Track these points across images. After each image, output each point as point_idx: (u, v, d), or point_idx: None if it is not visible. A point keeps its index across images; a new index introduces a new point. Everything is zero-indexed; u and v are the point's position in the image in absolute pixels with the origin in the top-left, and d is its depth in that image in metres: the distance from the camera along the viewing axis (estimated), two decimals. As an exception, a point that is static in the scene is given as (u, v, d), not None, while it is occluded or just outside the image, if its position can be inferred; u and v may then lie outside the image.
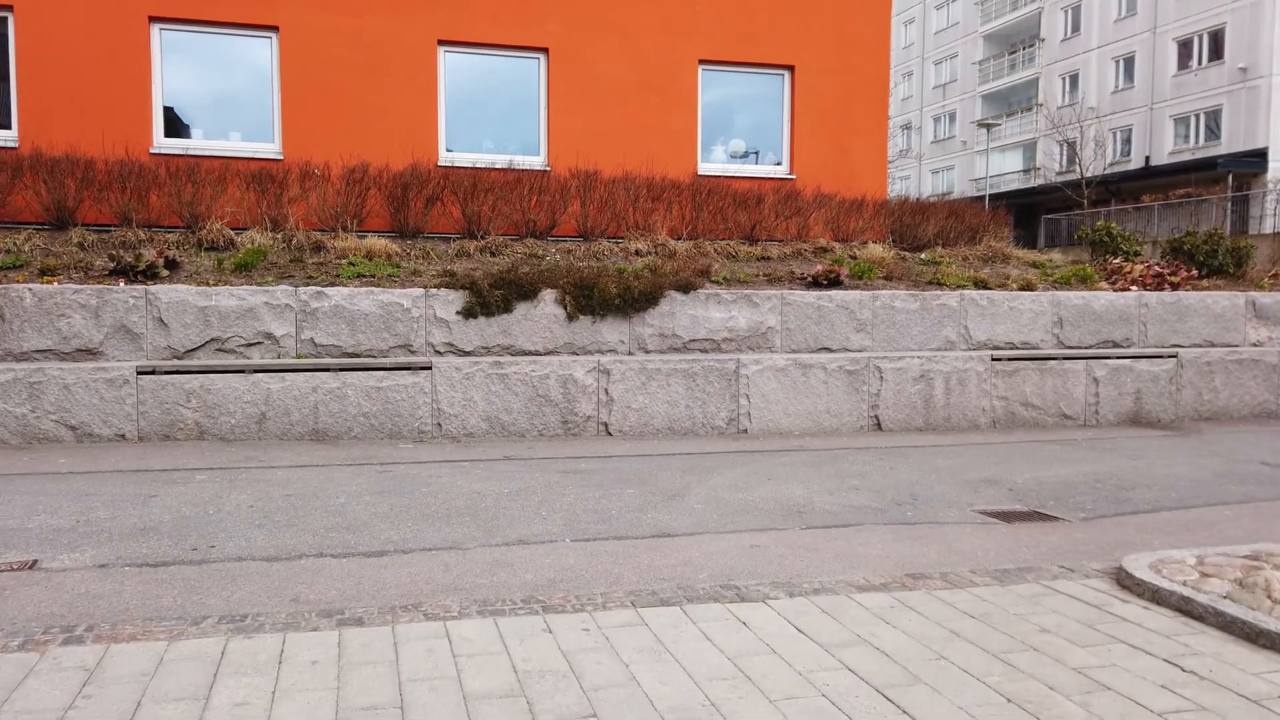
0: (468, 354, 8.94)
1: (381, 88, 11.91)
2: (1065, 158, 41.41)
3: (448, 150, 12.29)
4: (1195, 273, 11.91)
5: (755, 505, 6.26)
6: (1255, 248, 12.90)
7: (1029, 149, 45.32)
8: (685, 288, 9.65)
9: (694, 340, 9.62)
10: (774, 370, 9.37)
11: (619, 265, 10.47)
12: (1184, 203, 31.91)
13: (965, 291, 10.62)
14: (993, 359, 10.01)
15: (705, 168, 13.14)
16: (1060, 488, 7.09)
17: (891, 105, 56.00)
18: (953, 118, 51.33)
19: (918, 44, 53.69)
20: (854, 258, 11.95)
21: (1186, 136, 36.94)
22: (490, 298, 8.96)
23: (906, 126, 53.60)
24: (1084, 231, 13.36)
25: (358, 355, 8.65)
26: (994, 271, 11.99)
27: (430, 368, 8.47)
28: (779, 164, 13.72)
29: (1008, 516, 6.22)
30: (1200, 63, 35.97)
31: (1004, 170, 47.10)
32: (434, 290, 8.95)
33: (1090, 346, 10.86)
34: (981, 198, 41.81)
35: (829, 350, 10.06)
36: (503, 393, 8.65)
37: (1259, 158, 32.87)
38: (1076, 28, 42.21)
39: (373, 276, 9.45)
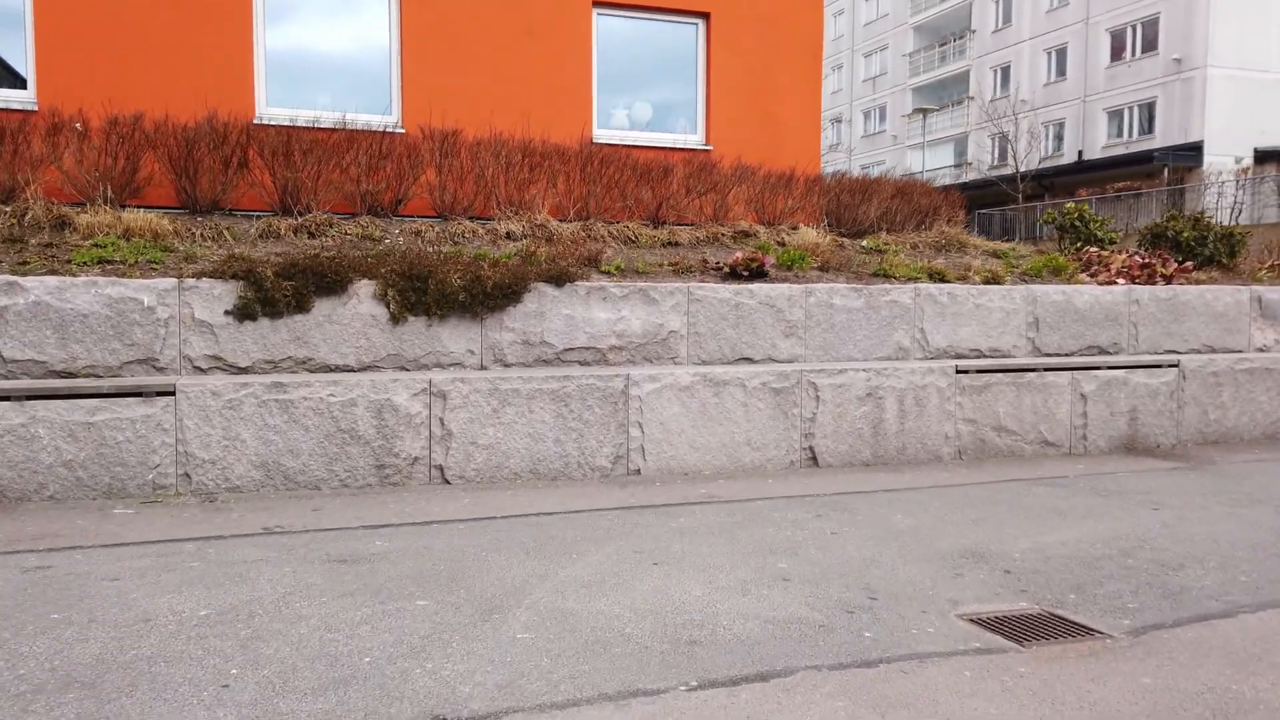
0: (243, 370, 6.32)
1: (181, 21, 9.16)
2: (998, 152, 40.21)
3: (268, 106, 9.59)
4: (1189, 264, 9.93)
5: (621, 628, 3.82)
6: (1250, 234, 11.02)
7: (961, 143, 44.09)
8: (560, 279, 7.19)
9: (570, 349, 7.17)
10: (677, 389, 6.97)
11: (478, 250, 7.96)
12: (1121, 197, 30.72)
13: (920, 285, 8.39)
14: (957, 370, 7.79)
15: (602, 134, 10.70)
16: (1077, 566, 4.83)
17: (821, 99, 54.55)
18: (883, 112, 49.98)
19: (847, 36, 52.23)
20: (782, 244, 9.65)
21: (1120, 130, 35.94)
22: (276, 292, 6.35)
23: (837, 120, 52.10)
24: (1049, 215, 11.33)
25: (73, 375, 5.97)
26: (951, 262, 9.81)
27: (173, 393, 5.82)
28: (692, 132, 11.36)
29: (1016, 630, 3.91)
30: (1134, 54, 34.97)
31: (936, 165, 45.83)
32: (192, 282, 6.30)
33: (1073, 353, 8.73)
34: (913, 193, 40.38)
35: (750, 361, 7.71)
36: (286, 427, 6.04)
37: (1194, 151, 31.89)
38: (1008, 19, 41.06)
39: (122, 263, 6.76)
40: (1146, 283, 9.32)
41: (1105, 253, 10.13)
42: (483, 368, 6.96)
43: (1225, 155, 30.80)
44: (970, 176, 42.14)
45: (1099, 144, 36.51)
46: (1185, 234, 10.59)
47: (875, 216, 10.72)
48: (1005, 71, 41.12)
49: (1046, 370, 8.06)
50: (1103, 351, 8.83)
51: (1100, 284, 9.17)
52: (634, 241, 9.30)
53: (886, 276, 8.93)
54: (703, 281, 8.12)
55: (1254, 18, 32.10)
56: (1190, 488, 6.83)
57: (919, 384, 7.64)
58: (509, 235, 8.77)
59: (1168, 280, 9.39)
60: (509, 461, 6.53)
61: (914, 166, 47.09)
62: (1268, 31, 32.25)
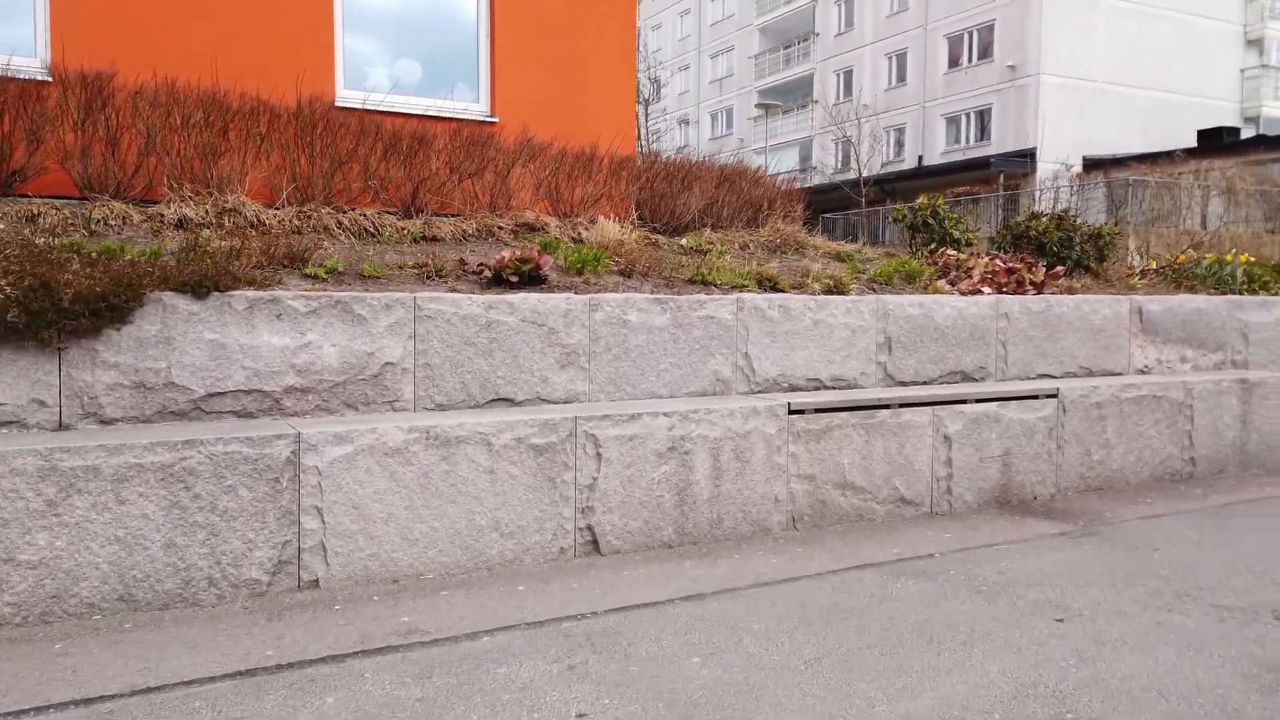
0: None
1: None
2: (841, 156, 39.82)
3: None
4: (1059, 269, 8.39)
5: None
6: (1121, 234, 9.69)
7: (806, 147, 43.63)
8: (202, 287, 4.71)
9: (218, 395, 4.71)
10: (381, 453, 4.63)
11: (105, 244, 5.36)
12: (960, 201, 30.48)
13: (745, 296, 6.37)
14: (790, 410, 5.80)
15: (352, 96, 8.23)
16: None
17: (669, 100, 53.22)
18: (730, 114, 49.14)
19: (694, 36, 51.17)
20: (578, 240, 7.48)
21: (958, 136, 36.08)
22: None
23: (684, 121, 50.93)
24: (898, 212, 9.67)
25: None
26: (786, 265, 7.90)
27: None
28: (474, 100, 9.03)
29: None
30: (970, 60, 35.12)
31: (781, 169, 45.21)
32: None
33: (932, 380, 6.95)
34: (760, 197, 39.50)
35: (511, 404, 5.47)
36: None
37: (1028, 157, 32.12)
38: (850, 23, 40.81)
39: None
40: (1015, 292, 7.68)
41: (963, 256, 8.49)
42: (62, 426, 4.40)
43: (1057, 162, 31.10)
44: (815, 180, 41.64)
45: (938, 150, 36.55)
46: (1049, 234, 9.11)
47: (698, 210, 8.71)
48: (848, 75, 40.85)
49: (903, 406, 6.19)
50: (968, 378, 7.10)
51: (963, 293, 7.45)
52: (374, 235, 6.90)
53: (706, 283, 6.89)
54: (454, 290, 5.83)
55: (1082, 25, 32.68)
56: (1092, 572, 5.04)
57: (740, 430, 5.59)
58: (181, 223, 6.19)
59: (1038, 289, 7.79)
60: (78, 587, 4.00)
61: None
62: (1094, 42, 32.91)
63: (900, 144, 38.77)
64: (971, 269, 8.11)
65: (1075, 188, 26.87)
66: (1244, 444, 7.73)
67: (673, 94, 51.89)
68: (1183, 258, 10.07)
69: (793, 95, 44.85)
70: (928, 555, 5.34)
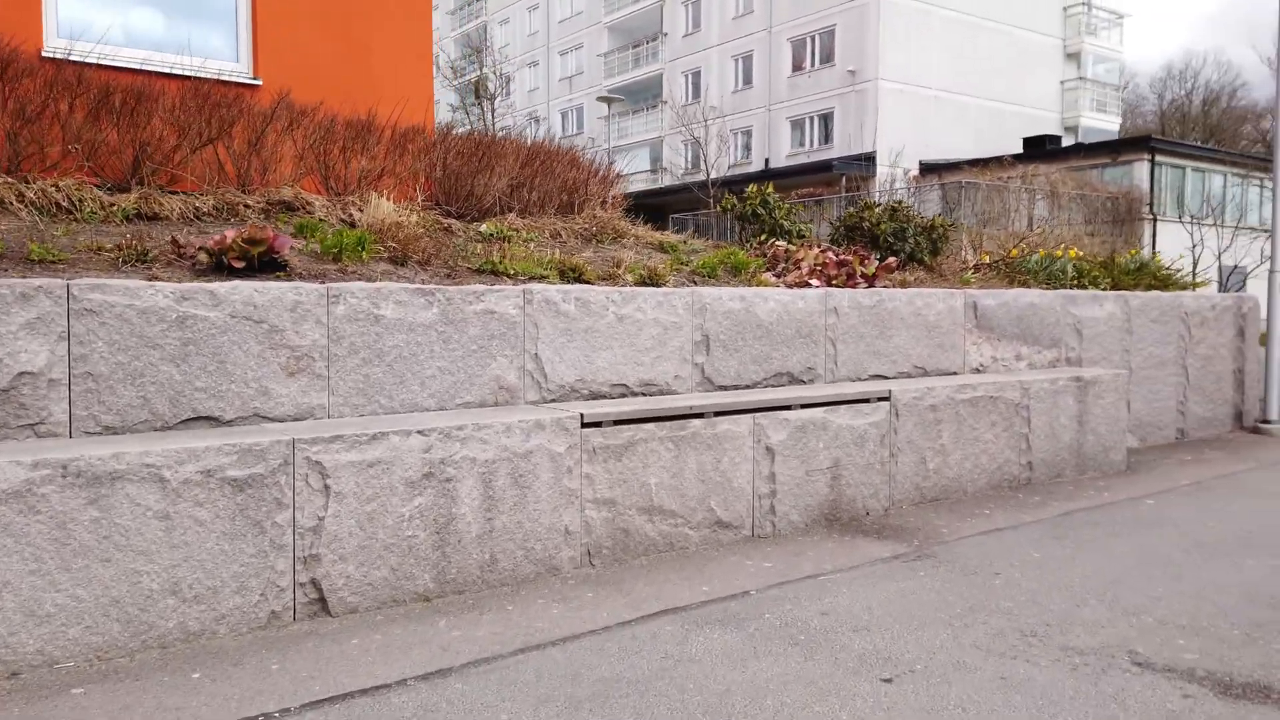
0: None
1: None
2: (691, 157, 39.59)
3: None
4: (892, 260, 7.78)
5: None
6: (955, 227, 9.25)
7: (656, 148, 43.25)
8: None
9: None
10: (-9, 499, 3.32)
11: None
12: (805, 202, 30.66)
13: (534, 287, 5.34)
14: (584, 423, 4.80)
15: (63, 45, 6.70)
16: None
17: (518, 96, 51.84)
18: (580, 112, 48.27)
19: (543, 32, 50.03)
20: (350, 222, 6.26)
21: (803, 139, 36.47)
22: None
23: (535, 119, 49.67)
24: (728, 202, 8.89)
25: None
26: (601, 255, 6.94)
27: None
28: (233, 59, 7.64)
29: None
30: (813, 64, 35.54)
31: (632, 170, 44.72)
32: None
33: (757, 384, 6.13)
34: (611, 197, 38.79)
35: (216, 422, 4.22)
36: None
37: (869, 161, 32.67)
38: (697, 24, 40.69)
39: None
40: (846, 285, 6.99)
41: (793, 247, 7.76)
42: None
43: (896, 166, 31.77)
44: (666, 181, 41.30)
45: (784, 152, 36.84)
46: (882, 225, 8.54)
47: (502, 192, 7.61)
48: (696, 77, 40.72)
49: (719, 414, 5.31)
50: (795, 380, 6.33)
51: (789, 286, 6.69)
52: (72, 212, 5.46)
53: (498, 273, 5.83)
54: (155, 278, 4.52)
55: (917, 34, 33.58)
56: (927, 608, 4.28)
57: (520, 450, 4.55)
58: None
59: (870, 282, 7.13)
60: None
61: (615, 169, 45.69)
62: (930, 50, 33.87)
63: (748, 146, 38.91)
64: (801, 260, 7.39)
65: (912, 189, 27.39)
66: (1080, 446, 7.32)
67: (522, 90, 50.56)
68: (1015, 251, 9.77)
69: (643, 95, 44.40)
70: (742, 593, 4.46)
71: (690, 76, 40.99)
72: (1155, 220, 26.99)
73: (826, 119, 35.41)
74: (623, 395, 5.50)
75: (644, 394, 5.59)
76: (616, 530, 4.88)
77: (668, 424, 5.07)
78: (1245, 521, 5.96)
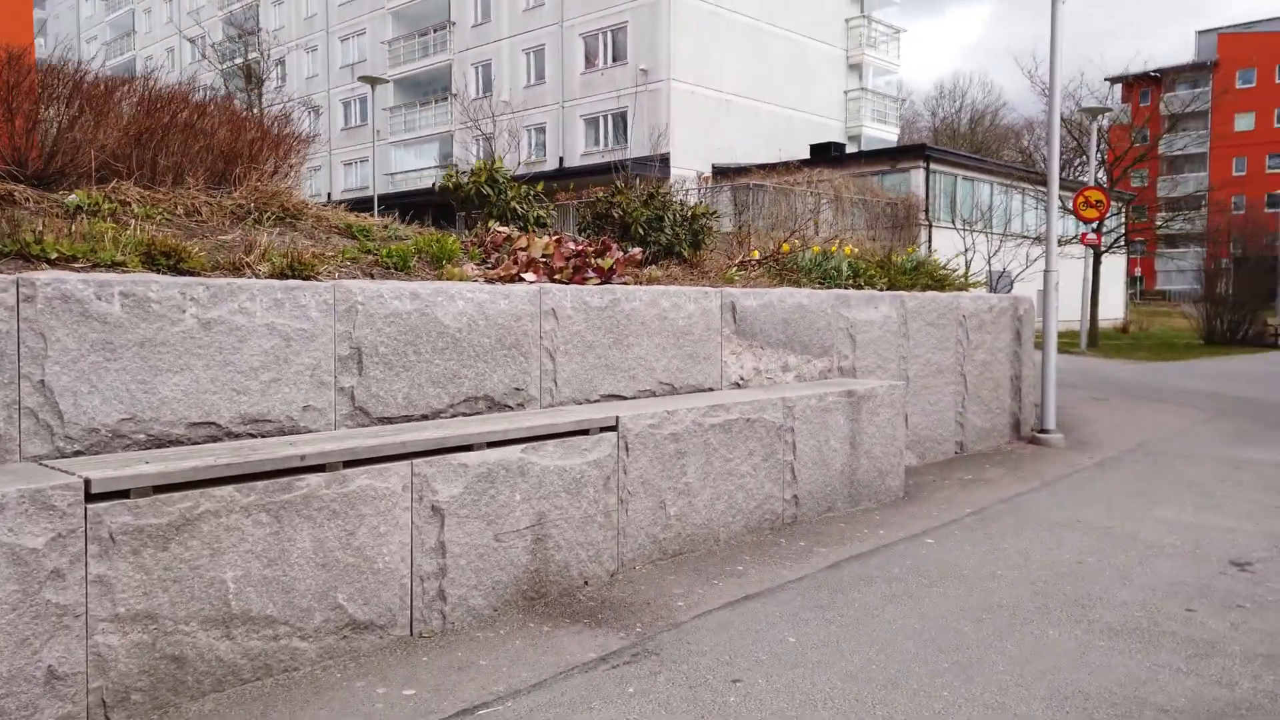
0: None
1: None
2: (483, 154, 37.62)
3: None
4: (637, 252, 6.38)
5: None
6: (719, 215, 8.02)
7: (446, 143, 40.89)
8: None
9: None
10: None
11: None
12: (598, 201, 29.54)
13: (40, 277, 3.46)
14: (94, 494, 2.98)
15: None
16: None
17: (294, 84, 47.73)
18: (364, 103, 45.05)
19: (321, 15, 46.34)
20: None
21: (598, 138, 35.41)
22: None
23: (313, 109, 45.89)
24: (448, 178, 7.21)
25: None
26: (247, 238, 5.08)
27: None
28: None
29: None
30: (606, 62, 34.54)
31: (422, 165, 42.23)
32: None
33: (442, 412, 4.50)
34: (400, 194, 36.12)
35: None
36: None
37: (663, 162, 32.02)
38: (487, 14, 38.76)
39: None
40: (574, 281, 5.51)
41: (521, 235, 6.21)
42: None
43: (689, 168, 31.28)
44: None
45: (579, 151, 35.62)
46: (636, 213, 7.18)
47: (114, 152, 5.58)
48: (487, 69, 38.77)
49: (354, 464, 3.64)
50: (497, 405, 4.76)
51: (495, 281, 5.11)
52: None
53: (32, 258, 3.88)
54: None
55: (709, 36, 33.29)
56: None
57: (-39, 547, 2.69)
58: None
59: (606, 277, 5.68)
60: None
61: (401, 165, 42.95)
62: (721, 54, 33.67)
63: (542, 144, 37.41)
64: (527, 249, 5.84)
65: (702, 191, 26.83)
66: (853, 472, 6.21)
67: (299, 77, 46.65)
68: (786, 246, 8.72)
69: (431, 87, 41.90)
70: (344, 761, 2.81)
71: (481, 69, 38.99)
72: (931, 226, 27.81)
73: (620, 118, 34.49)
74: (212, 440, 3.71)
75: (252, 435, 3.83)
76: (160, 660, 3.10)
77: (259, 484, 3.34)
78: (1036, 566, 4.97)
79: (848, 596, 4.43)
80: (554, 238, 6.45)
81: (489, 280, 5.01)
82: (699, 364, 5.88)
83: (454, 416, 4.53)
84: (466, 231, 6.71)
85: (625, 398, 5.41)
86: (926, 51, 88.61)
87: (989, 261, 20.63)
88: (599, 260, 5.83)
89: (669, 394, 5.68)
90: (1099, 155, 27.04)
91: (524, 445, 4.20)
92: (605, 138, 35.31)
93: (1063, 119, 31.18)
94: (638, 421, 4.77)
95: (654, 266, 6.90)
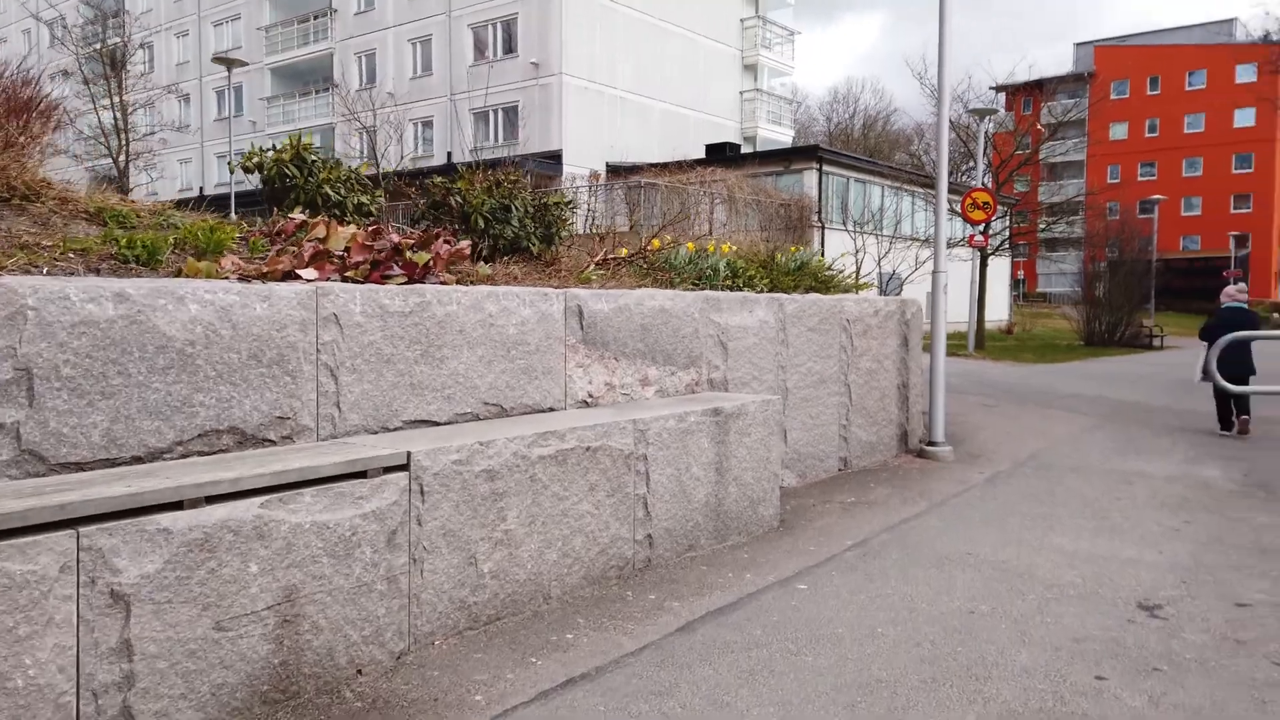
0: None
1: None
2: (368, 148, 35.80)
3: None
4: (465, 245, 5.36)
5: None
6: (574, 207, 7.06)
7: (328, 135, 38.82)
8: None
9: None
10: None
11: None
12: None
13: None
14: None
15: None
16: None
17: (165, 72, 44.72)
18: (240, 92, 42.50)
19: (193, -2, 43.53)
20: None
21: (488, 133, 34.11)
22: None
23: (183, 97, 43.08)
24: (248, 159, 6.03)
25: None
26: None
27: None
28: None
29: None
30: (496, 54, 33.28)
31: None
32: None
33: (171, 450, 3.41)
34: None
35: None
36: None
37: (555, 159, 31.01)
38: (371, 1, 36.95)
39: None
40: (372, 279, 4.47)
41: (322, 222, 5.13)
42: None
43: (583, 166, 30.35)
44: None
45: (468, 146, 34.19)
46: (477, 201, 6.18)
47: None
48: (371, 59, 36.96)
49: (-12, 538, 2.54)
50: (251, 440, 3.69)
51: (251, 278, 4.02)
52: None
53: None
54: None
55: (602, 31, 32.41)
56: None
57: None
58: None
59: (419, 275, 4.67)
60: None
61: (279, 159, 40.50)
62: (614, 50, 32.85)
63: (430, 139, 35.87)
64: (324, 239, 4.77)
65: (593, 189, 25.93)
66: (720, 503, 5.36)
67: (168, 64, 43.72)
68: (656, 243, 7.86)
69: (312, 76, 39.74)
70: None
71: (364, 59, 37.14)
72: (824, 227, 27.60)
73: (511, 113, 33.32)
74: None
75: None
76: None
77: None
78: (923, 620, 4.20)
79: (696, 675, 3.54)
80: (370, 228, 5.40)
81: (244, 278, 3.93)
82: (536, 380, 4.92)
83: (185, 457, 3.45)
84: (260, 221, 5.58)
85: (439, 423, 4.41)
86: (822, 58, 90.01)
87: (879, 263, 20.35)
88: (417, 255, 4.80)
89: (498, 416, 4.70)
90: (985, 158, 27.31)
91: (265, 497, 3.17)
92: (496, 133, 34.09)
93: (951, 123, 31.62)
94: (439, 457, 3.78)
95: (490, 264, 5.92)
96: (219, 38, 42.75)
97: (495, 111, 33.67)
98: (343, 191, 5.97)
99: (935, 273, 8.49)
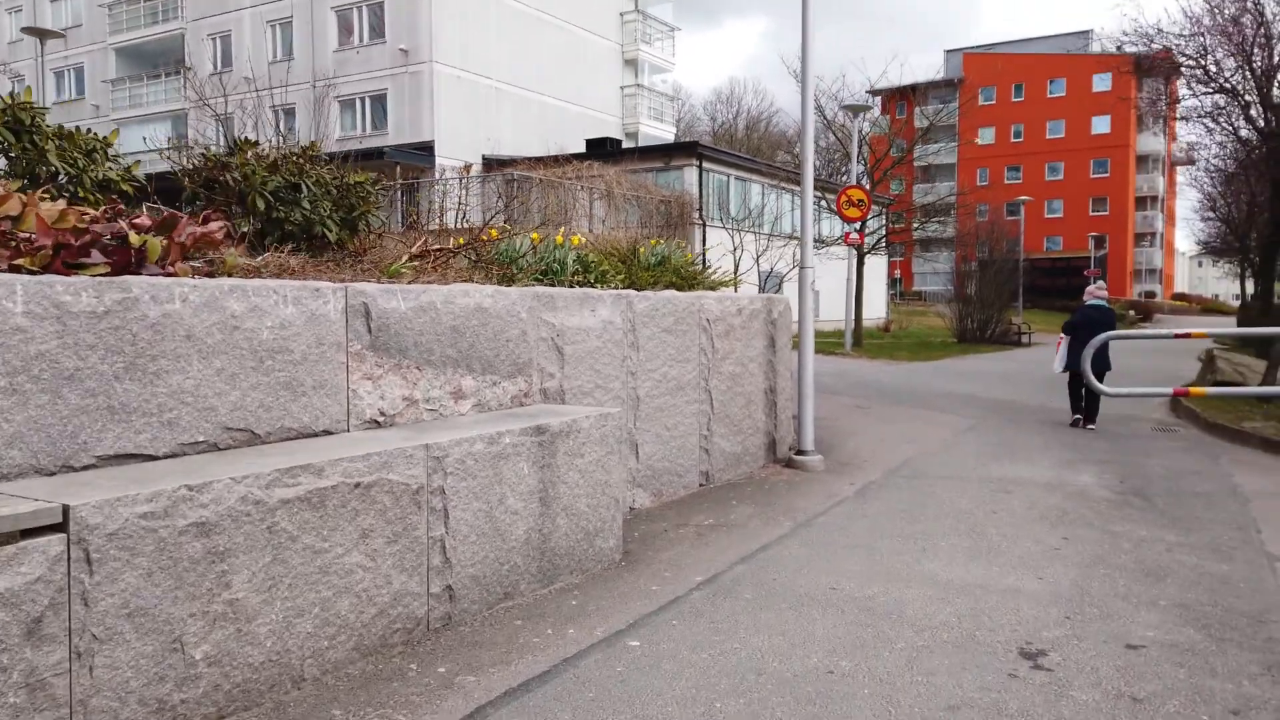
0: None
1: None
2: (223, 135, 33.41)
3: None
4: (214, 228, 4.30)
5: None
6: (386, 194, 6.02)
7: (180, 122, 36.13)
8: None
9: None
10: None
11: None
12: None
13: None
14: None
15: None
16: None
17: (-6, 49, 40.83)
18: (80, 74, 39.24)
19: (27, -31, 39.87)
20: None
21: (355, 122, 32.33)
22: None
23: (17, 78, 39.37)
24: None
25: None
26: None
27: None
28: None
29: None
30: (362, 39, 31.55)
31: (152, 147, 37.03)
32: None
33: None
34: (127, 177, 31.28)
35: None
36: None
37: (427, 151, 29.55)
38: (225, -21, 34.55)
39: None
40: (55, 268, 3.40)
41: (22, 196, 4.00)
42: None
43: (457, 158, 29.00)
44: (198, 161, 34.49)
45: (334, 136, 32.29)
46: (258, 178, 5.12)
47: None
48: (226, 41, 34.55)
49: None
50: None
51: None
52: None
53: None
54: None
55: (476, 18, 31.11)
56: None
57: None
58: None
59: (132, 266, 3.61)
60: None
61: (127, 145, 37.55)
62: (489, 38, 31.60)
63: (293, 128, 33.72)
64: (18, 218, 3.65)
65: (465, 181, 24.70)
66: (546, 539, 4.49)
67: (1, 42, 39.93)
68: (494, 233, 6.93)
69: (163, 58, 36.91)
70: None
71: (219, 41, 34.70)
72: (705, 225, 27.14)
73: (380, 101, 31.64)
74: None
75: None
76: None
77: None
78: (771, 687, 3.43)
79: (467, 795, 2.66)
80: (112, 207, 4.28)
81: None
82: (304, 397, 3.93)
83: None
84: None
85: (155, 457, 3.37)
86: (705, 60, 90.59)
87: (757, 261, 19.93)
88: (143, 238, 3.73)
89: (248, 444, 3.69)
90: (862, 158, 27.40)
91: None
92: (364, 122, 32.33)
93: (829, 123, 31.75)
94: (118, 510, 2.76)
95: (276, 254, 4.88)
96: (56, 14, 39.31)
97: (363, 100, 31.94)
98: (81, 163, 4.81)
99: (802, 268, 7.85)
